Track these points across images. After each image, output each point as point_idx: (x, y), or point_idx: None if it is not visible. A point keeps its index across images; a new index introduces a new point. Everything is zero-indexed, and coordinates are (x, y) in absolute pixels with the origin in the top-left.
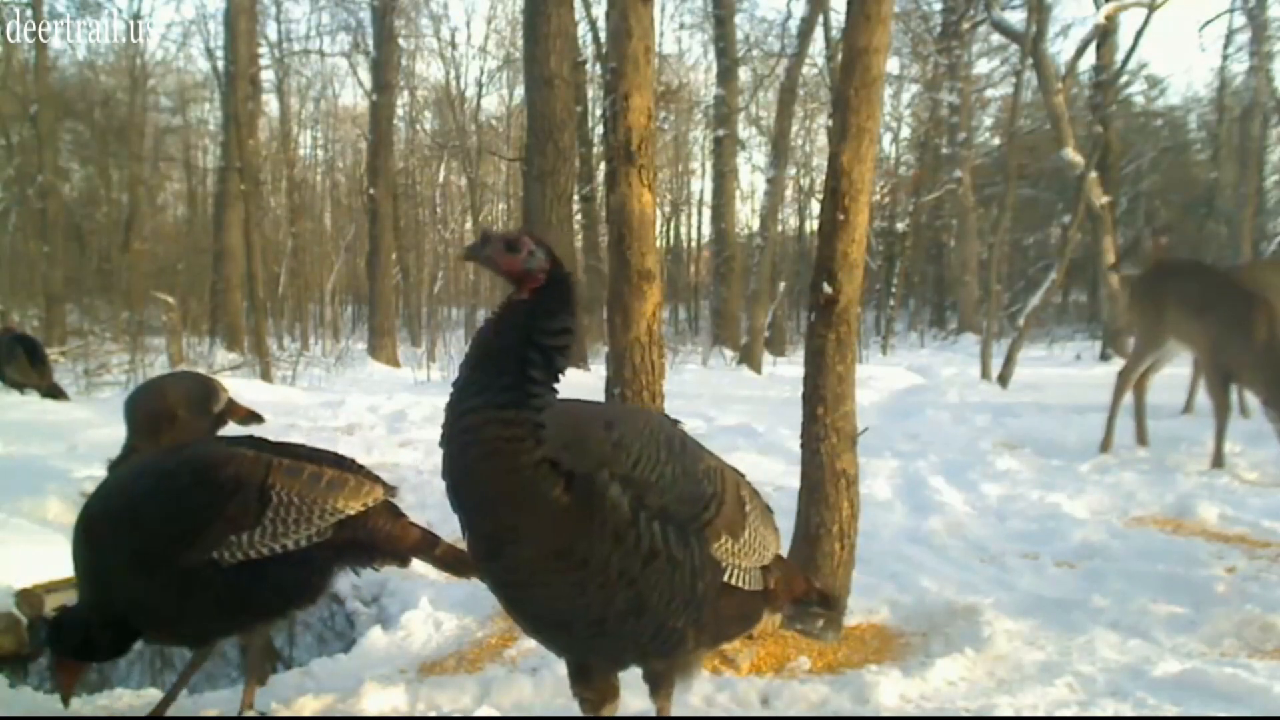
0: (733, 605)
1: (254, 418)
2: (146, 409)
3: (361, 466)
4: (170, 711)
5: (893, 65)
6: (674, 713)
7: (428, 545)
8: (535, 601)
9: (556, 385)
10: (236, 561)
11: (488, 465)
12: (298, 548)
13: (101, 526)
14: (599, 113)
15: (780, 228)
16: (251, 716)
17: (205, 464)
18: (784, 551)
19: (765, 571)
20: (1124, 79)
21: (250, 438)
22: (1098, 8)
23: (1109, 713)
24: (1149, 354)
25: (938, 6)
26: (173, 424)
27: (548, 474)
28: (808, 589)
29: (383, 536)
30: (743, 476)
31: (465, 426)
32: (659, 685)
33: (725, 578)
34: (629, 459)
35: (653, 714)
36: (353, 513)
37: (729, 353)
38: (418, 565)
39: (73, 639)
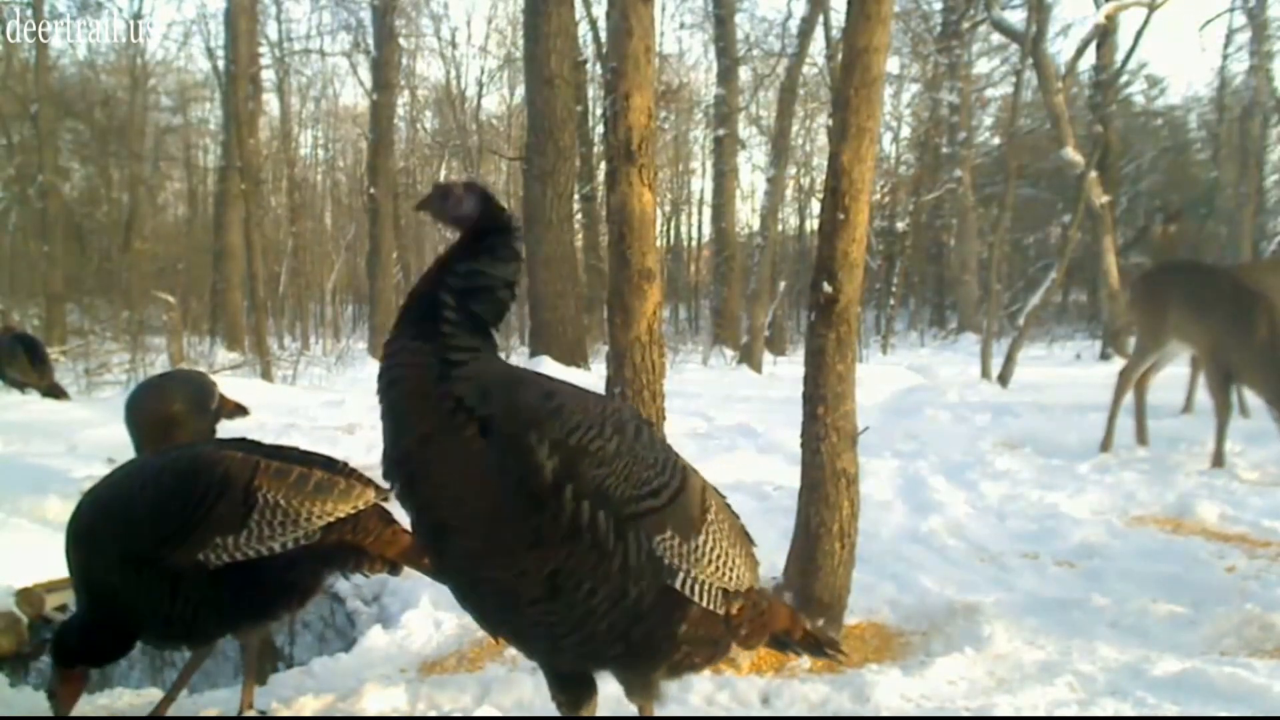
0: (688, 622)
1: (240, 410)
2: (150, 413)
3: (353, 470)
4: (171, 711)
5: (893, 65)
6: (675, 712)
7: (419, 552)
8: (451, 552)
9: (486, 329)
10: (223, 564)
11: (396, 392)
12: (285, 550)
13: (92, 527)
14: (599, 112)
15: (780, 227)
16: (251, 716)
17: (192, 466)
18: (782, 555)
19: (727, 595)
20: (1124, 79)
21: (243, 440)
22: (1098, 7)
23: (1109, 712)
24: (1151, 354)
25: (938, 6)
26: (178, 426)
27: (455, 410)
28: (790, 627)
29: (372, 541)
30: (716, 492)
31: (385, 365)
32: (632, 687)
33: (674, 583)
34: (564, 426)
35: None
36: (341, 516)
37: (729, 352)
38: None
39: (74, 644)
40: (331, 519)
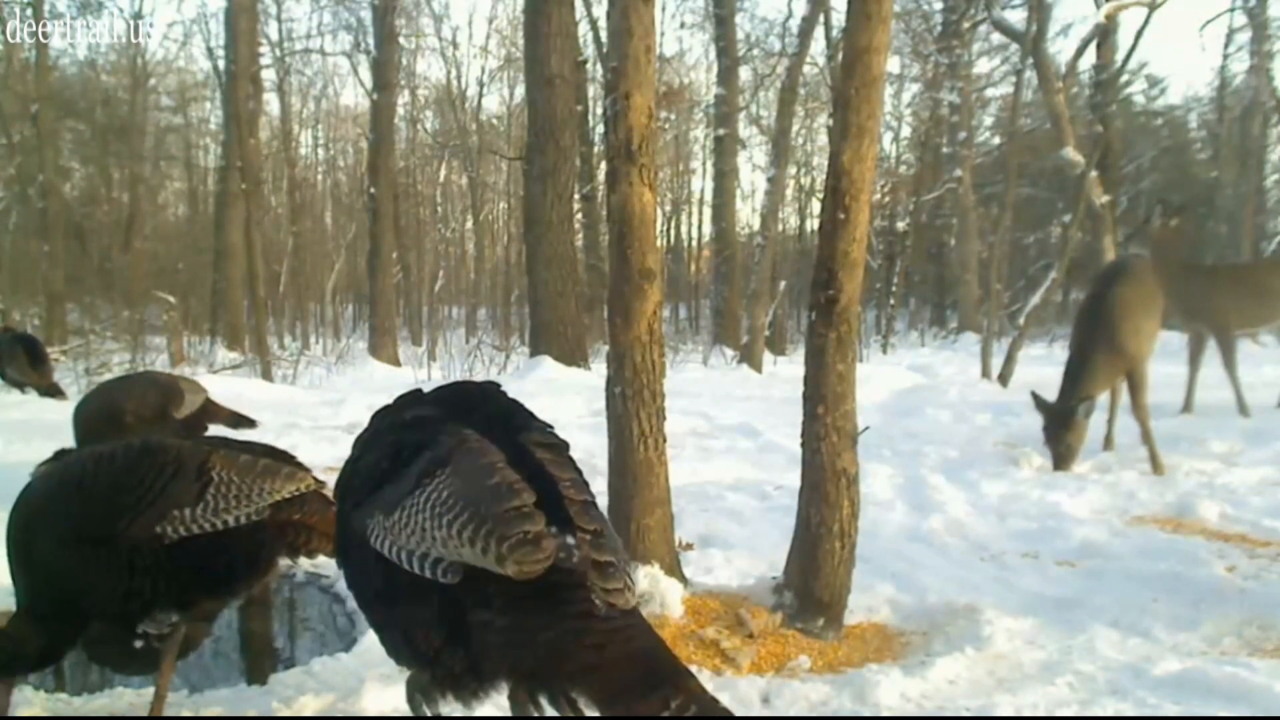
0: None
1: (242, 421)
2: (92, 413)
3: (294, 458)
4: (171, 711)
5: (893, 64)
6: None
7: None
8: None
9: None
10: (180, 537)
11: None
12: (238, 524)
13: (44, 510)
14: (600, 112)
15: (781, 227)
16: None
17: (145, 447)
18: (782, 555)
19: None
20: (1124, 78)
21: (189, 432)
22: (1098, 7)
23: (1109, 712)
24: None
25: (938, 6)
26: (125, 432)
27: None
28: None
29: (318, 520)
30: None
31: None
32: None
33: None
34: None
35: None
36: (288, 495)
37: (729, 352)
38: None
39: (11, 648)
40: (279, 497)
